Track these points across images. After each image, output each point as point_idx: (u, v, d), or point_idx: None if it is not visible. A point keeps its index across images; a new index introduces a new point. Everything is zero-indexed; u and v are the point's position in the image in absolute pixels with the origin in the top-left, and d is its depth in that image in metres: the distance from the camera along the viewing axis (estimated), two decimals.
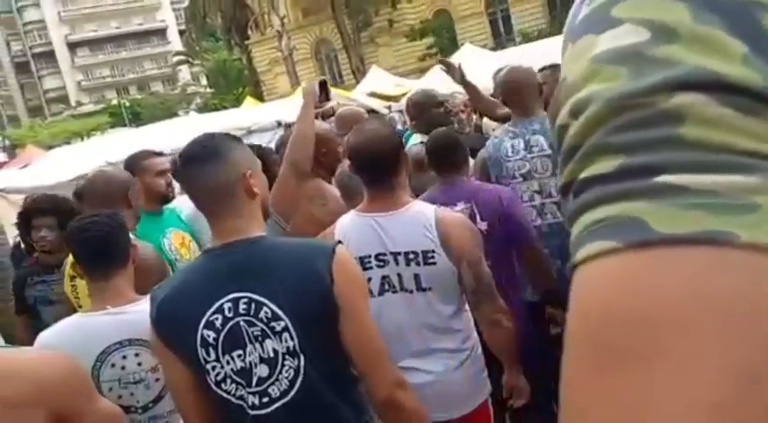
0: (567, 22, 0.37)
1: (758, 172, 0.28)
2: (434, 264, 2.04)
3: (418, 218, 2.07)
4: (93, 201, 2.61)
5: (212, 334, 1.54)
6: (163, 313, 1.58)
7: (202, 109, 34.17)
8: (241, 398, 1.56)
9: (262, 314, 1.53)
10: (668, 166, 0.29)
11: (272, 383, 1.55)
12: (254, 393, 1.55)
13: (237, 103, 24.77)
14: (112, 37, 67.05)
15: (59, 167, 7.59)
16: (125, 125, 35.74)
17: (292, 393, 1.55)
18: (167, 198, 3.07)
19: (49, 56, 65.79)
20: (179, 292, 1.61)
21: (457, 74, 3.82)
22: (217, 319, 1.54)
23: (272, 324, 1.53)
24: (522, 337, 2.28)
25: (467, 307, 2.17)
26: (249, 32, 34.38)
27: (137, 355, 1.87)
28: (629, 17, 0.32)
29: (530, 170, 2.96)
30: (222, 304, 1.54)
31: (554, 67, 3.79)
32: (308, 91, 2.47)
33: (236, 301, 1.53)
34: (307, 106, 2.45)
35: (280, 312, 1.52)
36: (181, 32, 53.97)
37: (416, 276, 2.06)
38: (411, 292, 2.07)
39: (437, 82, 9.02)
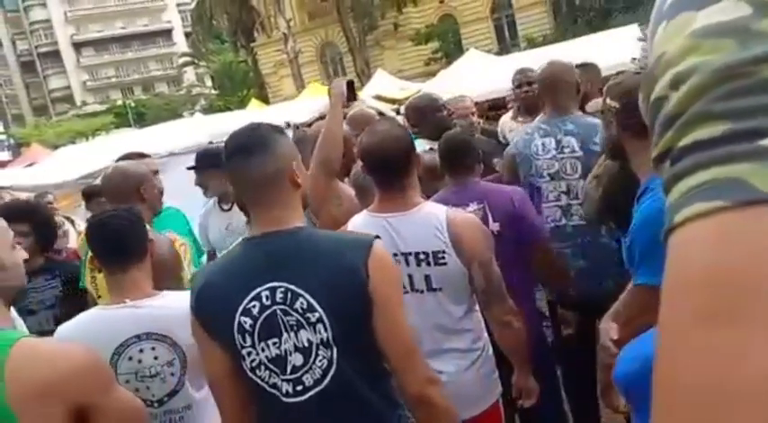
0: (656, 8, 0.38)
1: None
2: (445, 264, 2.05)
3: (429, 218, 2.08)
4: (109, 196, 2.67)
5: (249, 321, 1.56)
6: (202, 299, 1.62)
7: (207, 110, 34.22)
8: (274, 386, 1.59)
9: (297, 305, 1.55)
10: None
11: (306, 372, 1.57)
12: (288, 381, 1.58)
13: (242, 105, 24.82)
14: (118, 37, 67.23)
15: (65, 167, 7.62)
16: (129, 126, 35.81)
17: (325, 382, 1.56)
18: None
19: (55, 55, 65.99)
20: (218, 278, 1.64)
21: None
22: (254, 306, 1.56)
23: (308, 315, 1.55)
24: (533, 338, 2.29)
25: (477, 307, 2.18)
26: (255, 35, 34.47)
27: (153, 348, 1.88)
28: None
29: (558, 170, 2.94)
30: (260, 292, 1.56)
31: (585, 67, 3.74)
32: (337, 91, 2.47)
33: (273, 290, 1.56)
34: (335, 106, 2.46)
35: (315, 304, 1.54)
36: (186, 34, 54.12)
37: (427, 277, 2.07)
38: (422, 292, 2.08)
39: (442, 86, 9.06)
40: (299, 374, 1.57)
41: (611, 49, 8.12)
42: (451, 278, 2.08)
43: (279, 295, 1.56)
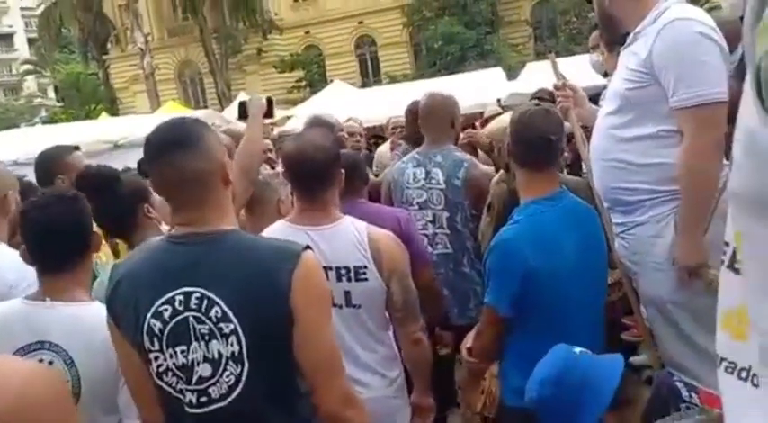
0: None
1: None
2: (366, 280, 2.03)
3: (351, 233, 2.06)
4: None
5: (159, 324, 1.44)
6: (117, 293, 1.50)
7: (48, 123, 31.81)
8: (180, 392, 1.47)
9: (212, 313, 1.43)
10: None
11: (213, 384, 1.46)
12: (192, 391, 1.46)
13: (89, 119, 23.34)
14: None
15: None
16: None
17: (230, 399, 1.46)
18: None
19: None
20: (134, 274, 1.50)
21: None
22: (166, 309, 1.44)
23: (221, 325, 1.43)
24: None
25: (390, 328, 2.18)
26: (108, 47, 32.78)
27: (51, 362, 1.69)
28: None
29: (426, 200, 3.06)
30: (174, 296, 1.44)
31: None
32: (257, 104, 2.41)
33: (188, 295, 1.44)
34: (255, 118, 2.40)
35: (230, 314, 1.43)
36: (30, 40, 50.31)
37: (347, 293, 2.04)
38: (340, 307, 2.03)
39: (309, 113, 9.08)
40: (204, 386, 1.46)
41: (468, 89, 8.60)
42: (371, 295, 2.06)
43: (194, 301, 1.44)
